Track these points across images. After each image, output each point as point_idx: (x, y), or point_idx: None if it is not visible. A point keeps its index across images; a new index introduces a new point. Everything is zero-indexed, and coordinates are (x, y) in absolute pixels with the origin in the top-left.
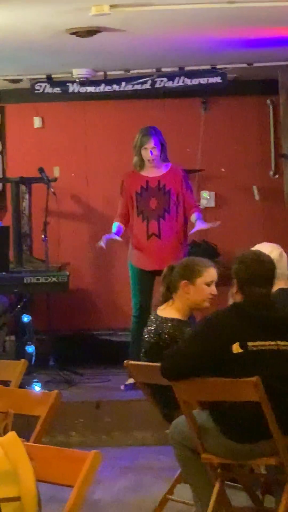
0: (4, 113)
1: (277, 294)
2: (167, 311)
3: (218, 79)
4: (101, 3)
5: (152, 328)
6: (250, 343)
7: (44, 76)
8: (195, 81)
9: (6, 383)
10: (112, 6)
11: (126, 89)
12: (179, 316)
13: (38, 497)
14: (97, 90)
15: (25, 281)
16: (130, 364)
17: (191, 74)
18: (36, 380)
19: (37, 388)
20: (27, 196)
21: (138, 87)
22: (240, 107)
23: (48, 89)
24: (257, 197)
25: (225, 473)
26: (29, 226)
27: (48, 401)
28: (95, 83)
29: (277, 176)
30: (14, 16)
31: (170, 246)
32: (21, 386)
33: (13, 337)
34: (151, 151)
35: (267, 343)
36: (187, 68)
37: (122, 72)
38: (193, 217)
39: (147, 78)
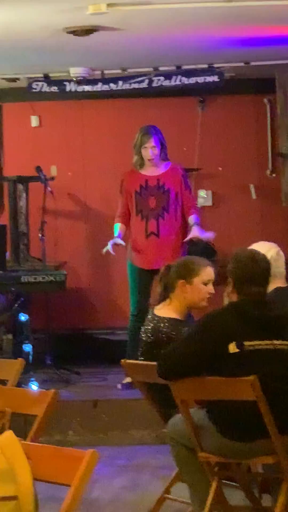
0: (1, 112)
1: (274, 293)
2: (164, 310)
3: (215, 78)
4: (98, 2)
5: (149, 327)
6: (246, 343)
7: (41, 75)
8: (192, 80)
9: (3, 382)
10: (109, 5)
11: (123, 88)
12: (176, 315)
13: (35, 496)
14: (94, 89)
15: (22, 280)
16: (127, 363)
17: (188, 73)
18: (33, 379)
19: (34, 387)
20: (24, 195)
21: (135, 86)
22: (237, 106)
23: (45, 88)
24: (254, 196)
25: (222, 472)
26: (26, 225)
27: (45, 400)
28: (92, 82)
29: (274, 175)
30: (11, 15)
31: (169, 245)
32: (18, 385)
33: (10, 336)
34: (151, 150)
35: (263, 342)
36: (184, 67)
37: (119, 71)
38: (191, 220)
39: (144, 77)
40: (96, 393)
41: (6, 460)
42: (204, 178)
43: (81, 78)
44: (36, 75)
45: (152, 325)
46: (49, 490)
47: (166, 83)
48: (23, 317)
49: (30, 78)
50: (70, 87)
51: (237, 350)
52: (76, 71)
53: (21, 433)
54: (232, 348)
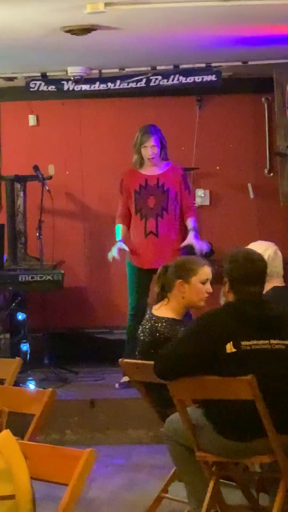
0: None
1: (271, 292)
2: (162, 310)
3: (213, 77)
4: (96, 1)
5: (147, 327)
6: (243, 342)
7: (39, 74)
8: (190, 79)
9: (0, 381)
10: (107, 4)
11: (121, 87)
12: (173, 315)
13: (33, 495)
14: (92, 88)
15: (20, 279)
16: (124, 362)
17: (186, 72)
18: (30, 378)
19: (31, 386)
20: (22, 194)
21: (133, 85)
22: (235, 105)
23: (43, 87)
24: (252, 195)
25: (220, 471)
26: (24, 224)
27: (43, 399)
28: (90, 81)
29: (272, 174)
30: (9, 14)
31: (168, 245)
32: (16, 384)
33: (7, 335)
34: (150, 150)
35: (260, 342)
36: (182, 66)
37: (117, 70)
38: (188, 224)
39: (142, 76)
40: (93, 393)
41: (4, 459)
42: (201, 177)
43: (79, 77)
44: (34, 74)
45: (149, 324)
46: (46, 489)
47: (164, 82)
48: (20, 316)
49: (28, 77)
50: (68, 86)
51: (234, 350)
52: (74, 70)
53: (19, 432)
54: (229, 348)
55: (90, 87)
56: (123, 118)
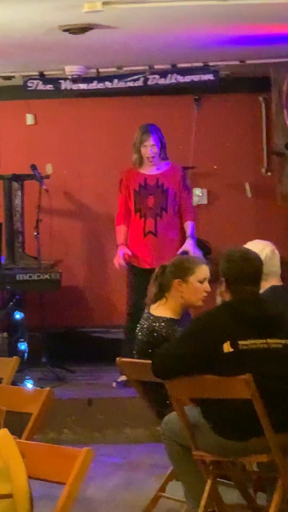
0: None
1: (269, 291)
2: (159, 309)
3: (210, 76)
4: (94, 0)
5: (145, 326)
6: (240, 342)
7: (37, 73)
8: (188, 78)
9: None
10: (104, 3)
11: (118, 86)
12: (171, 315)
13: (30, 494)
14: (90, 87)
15: (17, 278)
16: (122, 362)
17: (184, 71)
18: (28, 377)
19: (29, 385)
20: (19, 193)
21: (131, 84)
22: (232, 104)
23: (41, 86)
24: (249, 194)
25: (217, 470)
26: (22, 223)
27: (40, 398)
28: (88, 80)
29: (269, 173)
30: (6, 13)
31: (167, 245)
32: (13, 383)
33: (5, 334)
34: (150, 149)
35: (257, 341)
36: (180, 65)
37: (114, 69)
38: (187, 229)
39: (140, 75)
40: (91, 392)
41: (1, 459)
42: (199, 176)
43: (77, 76)
44: (31, 73)
45: (147, 324)
46: (44, 488)
47: (162, 81)
48: (18, 315)
49: (26, 76)
50: (65, 85)
51: (231, 350)
52: (71, 69)
53: (16, 431)
54: (227, 347)
55: (87, 86)
56: (120, 117)
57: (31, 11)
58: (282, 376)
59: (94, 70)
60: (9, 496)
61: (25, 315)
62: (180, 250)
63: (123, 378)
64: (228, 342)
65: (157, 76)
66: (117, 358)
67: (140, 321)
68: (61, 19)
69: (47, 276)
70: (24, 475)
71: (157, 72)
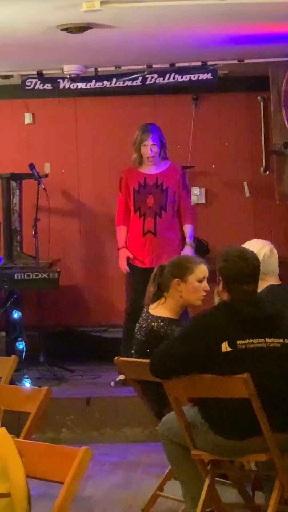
0: None
1: (267, 291)
2: (158, 309)
3: (208, 76)
4: None
5: (143, 326)
6: (239, 341)
7: (35, 72)
8: (186, 78)
9: None
10: (103, 2)
11: (117, 85)
12: (170, 314)
13: (28, 493)
14: (88, 86)
15: (15, 278)
16: (120, 361)
17: (182, 71)
18: (26, 376)
19: (27, 384)
20: (17, 192)
21: (129, 83)
22: (230, 103)
23: (39, 85)
24: (247, 193)
25: (215, 469)
26: (20, 222)
27: (39, 397)
28: (86, 79)
29: (267, 172)
30: (5, 12)
31: (166, 244)
32: (12, 382)
33: (3, 333)
34: (150, 148)
35: (255, 340)
36: (178, 65)
37: (113, 68)
38: (186, 233)
39: (138, 75)
40: (89, 391)
41: None
42: (197, 176)
43: (75, 76)
44: (29, 72)
45: (146, 324)
46: (42, 487)
47: (160, 80)
48: (16, 315)
49: (24, 75)
50: (63, 84)
51: (229, 349)
52: (69, 69)
53: (14, 431)
54: (225, 347)
55: (86, 85)
56: (119, 116)
57: (30, 10)
58: (280, 375)
59: (93, 69)
60: (7, 495)
61: (23, 314)
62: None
63: (121, 377)
64: (226, 341)
65: (155, 75)
66: (116, 358)
67: (139, 321)
68: (60, 18)
69: (45, 275)
70: (22, 474)
71: (156, 71)
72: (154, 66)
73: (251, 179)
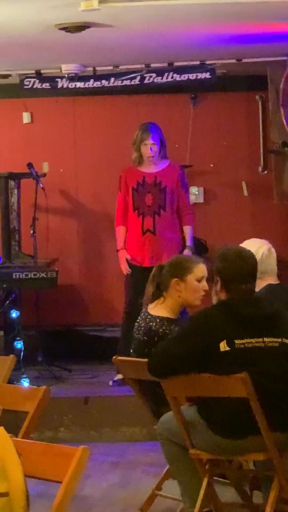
0: None
1: (266, 290)
2: (157, 309)
3: (207, 75)
4: None
5: (142, 325)
6: (237, 341)
7: (33, 72)
8: (184, 77)
9: None
10: (101, 2)
11: (115, 84)
12: (169, 314)
13: (27, 492)
14: (86, 86)
15: (14, 277)
16: (118, 360)
17: (180, 70)
18: (24, 375)
19: (25, 383)
20: (16, 191)
21: (127, 82)
22: (229, 102)
23: (37, 85)
24: (246, 193)
25: (214, 468)
26: (18, 221)
27: (37, 396)
28: (84, 78)
29: (266, 172)
30: (3, 11)
31: (165, 243)
32: (10, 381)
33: (1, 333)
34: (150, 148)
35: (253, 340)
36: (176, 64)
37: (111, 67)
38: (186, 232)
39: (136, 74)
40: (87, 390)
41: None
42: (195, 175)
43: (73, 75)
44: (28, 71)
45: (144, 323)
46: (40, 486)
47: (158, 79)
48: (14, 314)
49: (22, 74)
50: (62, 83)
51: (228, 349)
52: (68, 68)
53: (13, 430)
54: (223, 346)
55: (84, 85)
56: (117, 115)
57: (28, 9)
58: (279, 374)
59: (91, 69)
60: (5, 494)
61: (21, 314)
62: None
63: (119, 376)
64: (225, 341)
65: (153, 75)
66: (114, 357)
67: (137, 320)
68: (58, 18)
69: (43, 275)
70: (20, 473)
71: (154, 70)
72: (152, 65)
73: (249, 178)
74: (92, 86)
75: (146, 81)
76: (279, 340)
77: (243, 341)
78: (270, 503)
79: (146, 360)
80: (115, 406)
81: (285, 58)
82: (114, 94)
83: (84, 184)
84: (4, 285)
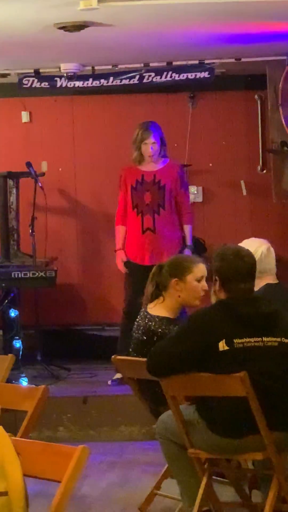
0: None
1: (264, 289)
2: (156, 308)
3: (205, 74)
4: None
5: (141, 325)
6: (236, 340)
7: (32, 71)
8: (183, 76)
9: None
10: (100, 1)
11: (114, 83)
12: (168, 314)
13: (25, 492)
14: (85, 85)
15: (12, 276)
16: (117, 359)
17: (179, 69)
18: (23, 375)
19: (24, 383)
20: (14, 190)
21: (126, 81)
22: (227, 102)
23: (36, 84)
24: (244, 192)
25: (212, 468)
26: (17, 220)
27: (36, 396)
28: (83, 77)
29: (264, 171)
30: (1, 10)
31: (165, 241)
32: (9, 381)
33: (0, 332)
34: (151, 147)
35: (252, 339)
36: (175, 63)
37: (110, 66)
38: (186, 231)
39: (135, 73)
40: (86, 389)
41: None
42: (194, 174)
43: (72, 74)
44: (26, 70)
45: (143, 323)
46: (39, 486)
47: (157, 79)
48: (13, 313)
49: (21, 73)
50: (60, 82)
51: (227, 348)
52: (67, 67)
53: (11, 429)
54: (222, 346)
55: (83, 84)
56: (116, 115)
57: (27, 8)
58: (278, 374)
59: (90, 68)
60: (4, 494)
61: (20, 313)
62: None
63: (118, 376)
64: (223, 340)
65: (152, 74)
66: (113, 356)
67: (137, 320)
68: (57, 17)
69: (42, 274)
70: (19, 473)
71: (153, 70)
72: (151, 64)
73: (248, 177)
74: (91, 85)
75: (145, 80)
76: (278, 339)
77: (242, 340)
78: (269, 502)
79: (144, 359)
80: (114, 405)
81: (284, 57)
82: (113, 93)
83: (83, 183)
84: (3, 284)
